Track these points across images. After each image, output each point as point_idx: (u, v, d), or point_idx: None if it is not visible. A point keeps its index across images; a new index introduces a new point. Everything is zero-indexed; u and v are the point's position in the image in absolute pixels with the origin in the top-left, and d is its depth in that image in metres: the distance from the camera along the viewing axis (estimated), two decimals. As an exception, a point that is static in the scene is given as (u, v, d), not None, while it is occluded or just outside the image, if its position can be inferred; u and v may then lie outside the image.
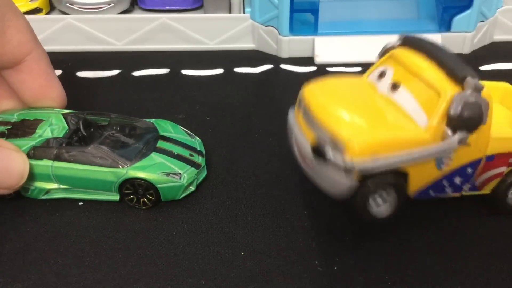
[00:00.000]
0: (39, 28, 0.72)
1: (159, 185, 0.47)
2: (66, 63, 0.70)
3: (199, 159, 0.51)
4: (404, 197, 0.42)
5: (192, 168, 0.49)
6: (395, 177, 0.40)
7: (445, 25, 0.73)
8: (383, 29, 0.74)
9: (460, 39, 0.74)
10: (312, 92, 0.43)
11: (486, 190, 0.45)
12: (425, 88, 0.41)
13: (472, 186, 0.44)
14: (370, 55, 0.69)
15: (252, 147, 0.56)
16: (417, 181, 0.42)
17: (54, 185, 0.48)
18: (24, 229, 0.46)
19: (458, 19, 0.73)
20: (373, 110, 0.41)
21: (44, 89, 0.53)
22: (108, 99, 0.64)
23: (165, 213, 0.48)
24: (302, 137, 0.42)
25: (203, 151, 0.52)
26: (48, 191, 0.48)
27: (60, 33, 0.73)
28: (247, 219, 0.47)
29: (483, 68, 0.71)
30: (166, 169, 0.48)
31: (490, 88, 0.51)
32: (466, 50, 0.74)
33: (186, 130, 0.54)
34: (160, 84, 0.67)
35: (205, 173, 0.51)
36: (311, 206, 0.48)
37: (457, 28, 0.73)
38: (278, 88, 0.67)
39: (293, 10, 0.70)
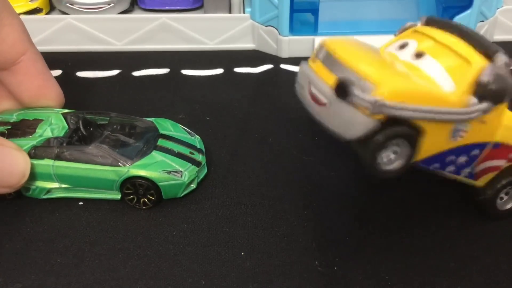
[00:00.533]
0: (39, 28, 0.72)
1: (160, 183, 0.47)
2: (66, 63, 0.70)
3: (200, 157, 0.51)
4: (414, 154, 0.40)
5: (193, 166, 0.49)
6: (413, 130, 0.39)
7: (445, 25, 0.73)
8: (383, 29, 0.73)
9: (460, 39, 0.74)
10: (336, 42, 0.42)
11: (481, 182, 0.45)
12: (453, 57, 0.41)
13: (471, 172, 0.44)
14: (370, 55, 0.69)
15: (252, 147, 0.56)
16: (429, 145, 0.41)
17: (55, 185, 0.48)
18: (24, 229, 0.46)
19: (458, 19, 0.72)
20: (401, 65, 0.41)
21: (41, 89, 0.53)
22: (108, 99, 0.64)
23: (165, 213, 0.48)
24: (319, 80, 0.40)
25: (203, 149, 0.52)
26: (49, 191, 0.48)
27: (60, 33, 0.73)
28: (247, 219, 0.47)
29: (483, 68, 0.71)
30: (167, 167, 0.48)
31: None
32: (466, 50, 0.74)
33: (185, 128, 0.54)
34: (160, 84, 0.67)
35: (205, 171, 0.51)
36: (311, 206, 0.48)
37: (457, 28, 0.73)
38: (278, 88, 0.67)
39: (293, 10, 0.70)
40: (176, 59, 0.72)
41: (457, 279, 0.42)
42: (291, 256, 0.44)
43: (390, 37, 0.76)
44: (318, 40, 0.72)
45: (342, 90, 0.37)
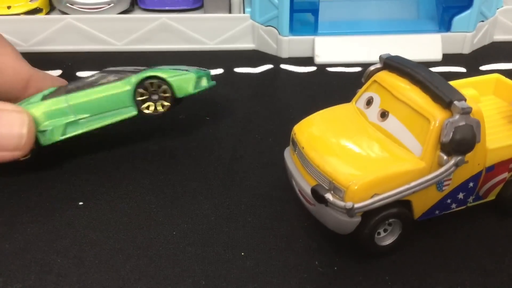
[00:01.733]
0: (39, 28, 0.72)
1: (170, 79, 0.50)
2: (66, 63, 0.70)
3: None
4: (409, 223, 0.42)
5: (197, 68, 0.53)
6: (398, 209, 0.41)
7: (445, 25, 0.73)
8: (383, 29, 0.74)
9: (460, 39, 0.74)
10: (303, 134, 0.44)
11: (491, 197, 0.45)
12: (414, 114, 0.40)
13: (476, 197, 0.44)
14: (370, 55, 0.69)
15: (252, 147, 0.56)
16: (421, 206, 0.42)
17: (71, 117, 0.49)
18: (24, 229, 0.46)
19: (458, 19, 0.73)
20: (368, 145, 0.41)
21: None
22: (108, 99, 0.64)
23: (165, 213, 0.48)
24: (300, 178, 0.43)
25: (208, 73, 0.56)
26: (65, 131, 0.49)
27: (60, 33, 0.73)
28: (247, 219, 0.47)
29: (483, 68, 0.71)
30: (174, 70, 0.51)
31: (483, 82, 0.51)
32: (466, 50, 0.75)
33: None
34: (160, 84, 0.67)
35: (214, 83, 0.55)
36: (311, 206, 0.48)
37: (457, 28, 0.73)
38: (278, 88, 0.67)
39: (293, 10, 0.70)
40: (176, 59, 0.72)
41: (457, 279, 0.42)
42: (291, 256, 0.44)
43: (390, 37, 0.76)
44: (318, 40, 0.72)
45: (319, 197, 0.40)
